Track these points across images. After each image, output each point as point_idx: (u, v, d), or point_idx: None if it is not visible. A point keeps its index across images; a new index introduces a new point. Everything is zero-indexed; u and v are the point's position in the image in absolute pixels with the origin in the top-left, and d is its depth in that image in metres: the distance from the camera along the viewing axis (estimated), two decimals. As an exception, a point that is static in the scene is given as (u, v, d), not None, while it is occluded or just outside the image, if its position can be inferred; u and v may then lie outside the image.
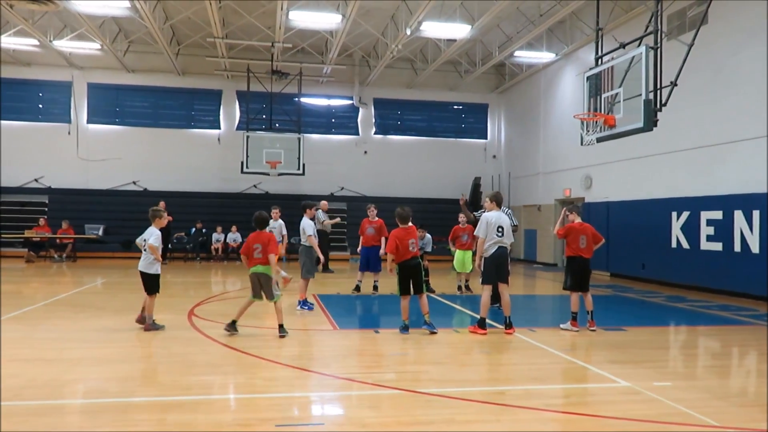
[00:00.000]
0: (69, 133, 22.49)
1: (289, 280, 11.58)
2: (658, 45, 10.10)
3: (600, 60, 11.53)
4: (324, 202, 17.43)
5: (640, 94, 9.96)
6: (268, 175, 20.86)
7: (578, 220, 8.74)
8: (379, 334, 8.17)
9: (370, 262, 12.33)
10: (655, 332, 8.98)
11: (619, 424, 4.61)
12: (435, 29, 17.48)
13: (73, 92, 22.57)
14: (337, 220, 17.41)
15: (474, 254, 9.76)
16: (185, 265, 18.72)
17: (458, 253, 12.24)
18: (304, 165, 20.40)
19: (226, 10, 18.53)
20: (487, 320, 8.24)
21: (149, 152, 22.97)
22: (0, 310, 9.19)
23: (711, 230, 13.31)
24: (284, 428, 4.40)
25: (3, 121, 22.03)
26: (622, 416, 4.75)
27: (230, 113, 23.75)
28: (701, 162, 13.95)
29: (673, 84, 10.06)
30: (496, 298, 8.73)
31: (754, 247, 12.10)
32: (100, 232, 20.96)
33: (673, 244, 14.43)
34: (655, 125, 10.10)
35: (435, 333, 7.90)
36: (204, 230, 20.97)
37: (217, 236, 21.00)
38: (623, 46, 11.11)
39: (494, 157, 25.66)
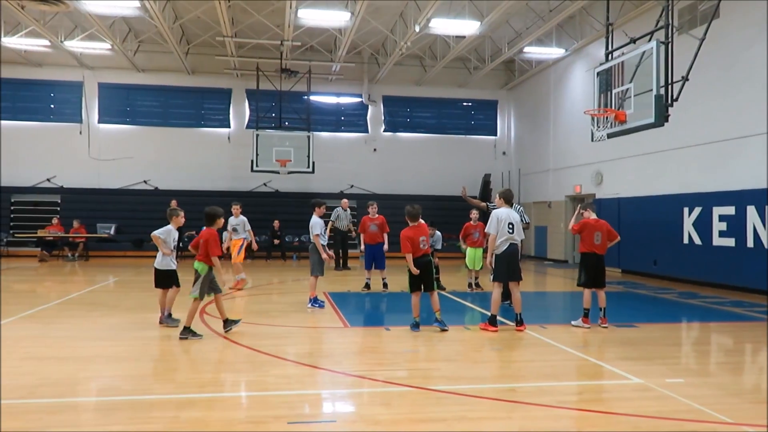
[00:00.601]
0: (80, 132, 22.65)
1: (244, 282, 11.66)
2: (669, 40, 10.02)
3: (610, 55, 11.45)
4: (344, 201, 17.51)
5: (651, 90, 9.89)
6: (278, 173, 20.90)
7: (593, 216, 8.70)
8: (390, 331, 8.18)
9: (376, 259, 12.36)
10: (668, 329, 8.93)
11: (631, 421, 4.59)
12: (444, 26, 17.43)
13: (84, 92, 22.72)
14: (350, 227, 17.44)
15: (485, 251, 9.74)
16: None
17: (469, 251, 12.23)
18: (313, 163, 20.42)
19: (235, 9, 18.57)
20: (498, 317, 8.24)
21: (160, 151, 23.09)
22: (0, 311, 9.28)
23: (723, 226, 13.21)
24: (296, 425, 4.42)
25: (16, 122, 22.23)
26: (635, 413, 4.73)
27: (240, 112, 23.82)
28: (713, 157, 13.84)
29: (685, 79, 9.98)
30: (507, 295, 8.72)
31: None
32: (112, 231, 21.10)
33: (685, 240, 14.33)
34: (667, 120, 10.02)
35: (446, 330, 7.91)
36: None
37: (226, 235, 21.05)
38: (634, 41, 11.03)
39: (504, 153, 25.58)
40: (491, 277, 8.37)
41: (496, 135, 25.73)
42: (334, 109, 24.69)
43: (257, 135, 20.27)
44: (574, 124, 19.61)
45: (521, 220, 8.68)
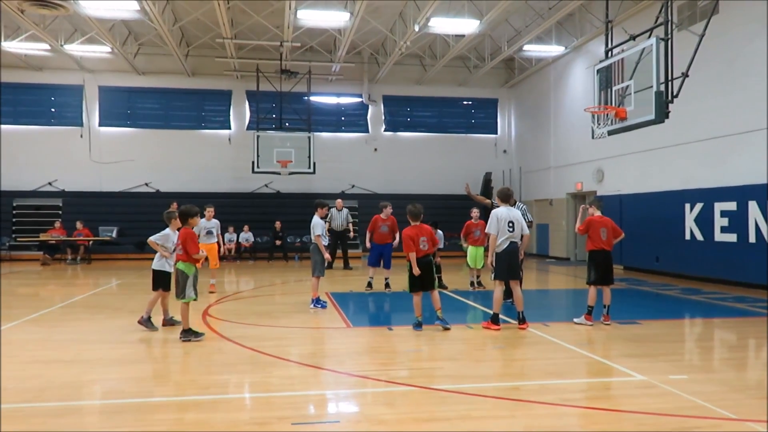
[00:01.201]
0: (81, 136, 22.70)
1: (214, 287, 11.47)
2: (669, 36, 10.01)
3: (610, 52, 11.44)
4: (339, 201, 17.49)
5: (651, 86, 9.88)
6: (279, 174, 20.94)
7: (598, 213, 8.69)
8: (392, 331, 8.19)
9: (384, 259, 12.39)
10: (671, 325, 8.93)
11: (635, 418, 4.59)
12: (443, 25, 17.44)
13: (84, 95, 22.76)
14: (350, 227, 17.39)
15: (487, 249, 9.74)
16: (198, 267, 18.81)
17: (471, 249, 12.26)
18: (314, 163, 20.45)
19: (235, 11, 18.59)
20: (501, 316, 8.24)
21: (161, 153, 23.13)
22: (0, 315, 9.31)
23: (725, 221, 13.20)
24: (300, 426, 4.43)
25: (17, 127, 22.29)
26: (639, 410, 4.73)
27: (240, 113, 23.85)
28: (714, 153, 13.83)
29: (685, 75, 9.97)
30: (508, 293, 8.72)
31: (770, 238, 11.99)
32: (114, 234, 21.13)
33: (687, 236, 14.33)
34: (667, 117, 10.01)
35: (448, 329, 7.92)
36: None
37: (230, 236, 21.08)
38: (633, 38, 11.02)
39: (505, 152, 25.58)
40: (492, 276, 8.37)
41: (496, 133, 25.73)
42: (334, 110, 24.71)
43: (258, 136, 20.30)
44: (574, 122, 19.60)
45: (525, 218, 8.68)
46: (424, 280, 8.01)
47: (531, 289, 12.57)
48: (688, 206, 14.33)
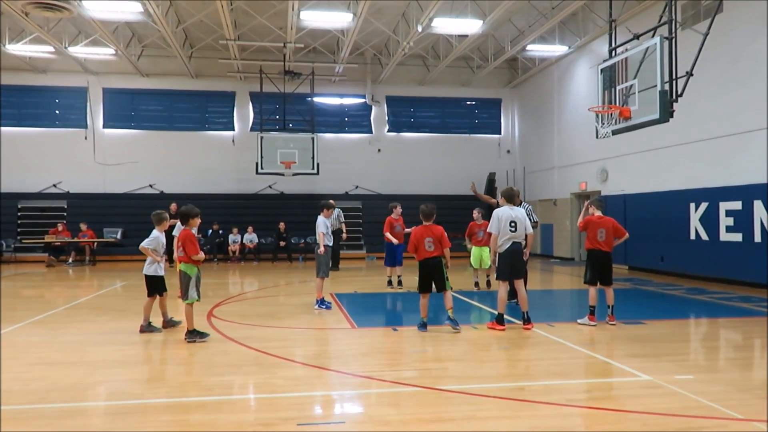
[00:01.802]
0: (86, 138, 22.76)
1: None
2: (673, 35, 9.99)
3: (614, 52, 11.43)
4: (331, 202, 17.24)
5: (656, 86, 9.85)
6: (283, 175, 20.95)
7: (598, 213, 8.67)
8: (397, 331, 8.18)
9: (397, 258, 12.70)
10: (676, 325, 8.90)
11: (641, 419, 4.58)
12: (446, 25, 17.43)
13: (88, 98, 22.83)
14: (342, 227, 17.31)
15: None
16: (202, 267, 18.84)
17: (475, 250, 12.26)
18: (318, 164, 20.45)
19: (238, 12, 18.62)
20: (505, 316, 8.23)
21: (165, 155, 23.18)
22: (0, 316, 9.33)
23: (730, 221, 13.16)
24: (305, 427, 4.43)
25: (21, 129, 22.37)
26: (644, 410, 4.72)
27: (244, 114, 23.88)
28: (719, 152, 13.78)
29: (689, 74, 9.94)
30: (513, 293, 8.70)
31: (775, 237, 11.94)
32: (119, 236, 21.19)
33: (692, 236, 14.29)
34: (672, 116, 9.99)
35: (458, 331, 7.85)
36: (220, 231, 21.11)
37: (234, 237, 21.13)
38: (637, 37, 11.00)
39: (508, 152, 25.55)
40: (494, 276, 8.36)
41: (500, 133, 25.70)
42: (337, 110, 24.72)
43: (261, 137, 20.31)
44: (578, 121, 19.57)
45: (530, 219, 8.66)
46: (434, 281, 7.95)
47: (535, 289, 12.55)
48: (693, 206, 14.29)
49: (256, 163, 20.29)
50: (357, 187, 24.31)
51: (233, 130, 23.80)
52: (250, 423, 4.55)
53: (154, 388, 5.53)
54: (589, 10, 17.91)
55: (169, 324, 8.14)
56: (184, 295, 7.46)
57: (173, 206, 17.45)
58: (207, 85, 23.52)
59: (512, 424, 4.50)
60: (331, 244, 10.14)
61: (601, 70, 11.48)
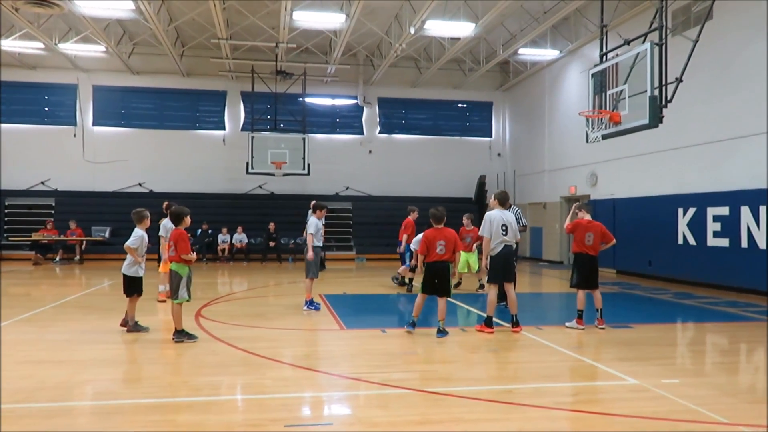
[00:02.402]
0: (75, 135, 22.61)
1: (164, 295, 10.24)
2: (663, 41, 10.08)
3: (605, 57, 11.50)
4: (313, 203, 17.09)
5: (646, 91, 9.94)
6: (273, 175, 20.91)
7: (587, 217, 8.72)
8: (386, 333, 8.18)
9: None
10: (663, 329, 8.97)
11: (628, 422, 4.61)
12: (439, 28, 17.47)
13: (78, 95, 22.68)
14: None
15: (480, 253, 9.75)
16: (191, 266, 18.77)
17: (462, 255, 12.28)
18: (309, 165, 20.42)
19: (230, 11, 18.57)
20: (494, 319, 8.26)
21: (155, 154, 23.07)
22: (0, 314, 9.25)
23: (718, 226, 13.27)
24: (293, 428, 4.43)
25: (10, 125, 22.17)
26: (631, 414, 4.75)
27: (235, 114, 23.81)
28: (707, 158, 13.90)
29: (679, 80, 10.03)
30: (502, 296, 8.73)
31: (762, 243, 12.06)
32: (107, 234, 21.04)
33: (680, 241, 14.39)
34: (661, 121, 10.08)
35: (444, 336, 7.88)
36: (210, 231, 21.02)
37: (223, 237, 21.05)
38: (628, 42, 11.09)
39: (499, 155, 25.63)
40: (486, 279, 8.38)
41: (491, 136, 25.78)
42: (329, 111, 24.70)
43: (252, 137, 20.27)
44: (568, 126, 19.67)
45: (519, 222, 8.69)
46: (439, 285, 7.87)
47: (524, 292, 12.59)
48: (681, 211, 14.40)
49: (247, 163, 20.24)
50: (348, 188, 24.30)
51: (224, 129, 23.73)
52: (238, 423, 4.54)
53: (142, 388, 5.50)
54: (580, 15, 18.01)
55: (134, 329, 7.89)
56: (174, 294, 7.41)
57: (166, 205, 17.32)
58: (198, 84, 23.44)
59: (501, 426, 4.51)
60: (321, 244, 10.12)
61: (592, 75, 11.55)
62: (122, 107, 23.31)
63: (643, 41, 10.41)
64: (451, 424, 4.53)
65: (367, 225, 23.18)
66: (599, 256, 8.66)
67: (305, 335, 8.26)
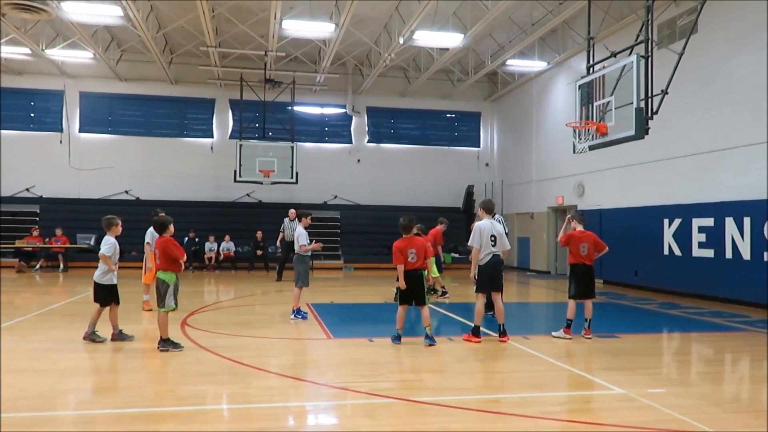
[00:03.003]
0: (61, 142, 22.43)
1: (149, 304, 10.14)
2: (649, 54, 10.18)
3: (591, 69, 11.60)
4: (292, 211, 17.01)
5: (632, 103, 10.02)
6: (261, 183, 20.83)
7: (579, 228, 8.77)
8: (373, 342, 8.14)
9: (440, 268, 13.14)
10: (649, 339, 9.01)
11: (614, 431, 4.62)
12: (428, 38, 17.56)
13: (65, 101, 22.53)
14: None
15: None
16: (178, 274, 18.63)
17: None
18: (297, 173, 20.38)
19: (220, 19, 18.55)
20: (482, 328, 8.25)
21: (142, 161, 22.93)
22: (0, 318, 9.13)
23: (703, 237, 13.38)
24: (279, 438, 4.39)
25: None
26: (618, 423, 4.76)
27: (223, 122, 23.75)
28: (693, 169, 14.04)
29: (664, 92, 10.13)
30: (490, 305, 8.74)
31: (746, 254, 12.18)
32: (92, 242, 20.83)
33: (666, 251, 14.50)
34: (647, 133, 10.16)
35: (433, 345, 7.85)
36: (197, 239, 20.89)
37: (210, 245, 20.93)
38: (614, 54, 11.19)
39: (487, 165, 25.74)
40: (474, 289, 8.39)
41: (479, 146, 25.90)
42: (318, 120, 24.71)
43: (240, 145, 20.20)
44: (556, 136, 19.80)
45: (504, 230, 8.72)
46: (413, 293, 7.92)
47: (512, 302, 12.60)
48: (666, 221, 14.51)
49: (235, 171, 20.15)
50: (336, 197, 24.28)
51: (212, 137, 23.65)
52: (223, 433, 4.49)
53: (125, 397, 5.43)
54: (568, 27, 18.19)
55: (118, 337, 7.81)
56: (161, 302, 7.35)
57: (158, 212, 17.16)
58: (186, 92, 23.37)
59: (487, 436, 4.50)
60: (309, 253, 10.09)
61: (579, 86, 11.64)
62: (109, 114, 23.17)
63: (630, 54, 10.52)
64: (437, 433, 4.51)
65: (356, 234, 23.16)
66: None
67: (292, 344, 8.21)
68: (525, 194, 22.67)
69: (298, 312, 9.89)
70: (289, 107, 22.16)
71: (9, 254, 20.03)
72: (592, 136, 11.01)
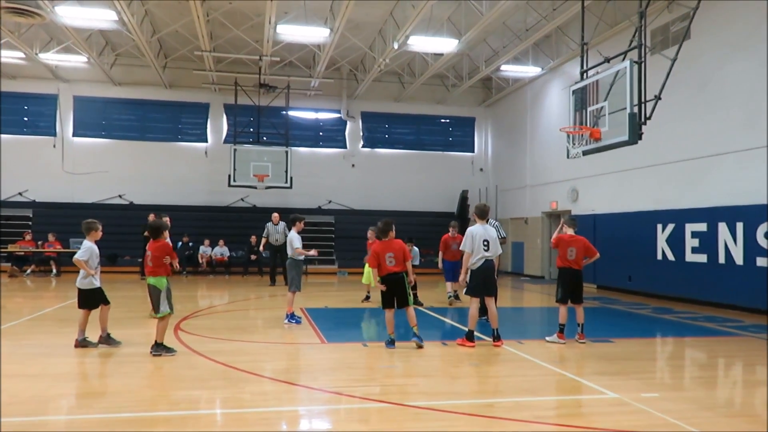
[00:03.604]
0: (54, 146, 22.34)
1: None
2: (642, 59, 10.24)
3: (585, 74, 11.65)
4: (275, 215, 16.99)
5: (625, 108, 10.07)
6: (256, 188, 20.81)
7: (570, 232, 8.78)
8: (367, 347, 8.14)
9: (456, 274, 12.65)
10: (643, 344, 9.03)
11: (608, 436, 4.62)
12: (422, 43, 17.59)
13: (59, 105, 22.45)
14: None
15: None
16: (171, 279, 18.55)
17: (366, 267, 12.40)
18: (291, 178, 20.37)
19: (214, 24, 18.56)
20: (475, 333, 8.25)
21: (136, 165, 22.86)
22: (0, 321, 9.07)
23: (696, 242, 13.44)
24: (273, 443, 4.37)
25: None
26: (612, 427, 4.76)
27: (217, 126, 23.71)
28: (686, 175, 14.11)
29: (657, 98, 10.19)
30: (483, 310, 8.74)
31: (738, 259, 12.23)
32: (85, 246, 20.72)
33: (659, 256, 14.54)
34: (640, 138, 10.21)
35: (422, 347, 7.84)
36: (191, 244, 20.82)
37: (204, 250, 20.86)
38: (608, 60, 11.25)
39: (481, 170, 25.78)
40: (464, 291, 8.41)
41: (473, 151, 25.93)
42: (312, 125, 24.70)
43: (235, 150, 20.17)
44: (550, 141, 19.86)
45: (498, 235, 8.74)
46: (396, 296, 7.94)
47: (506, 306, 12.62)
48: (660, 226, 14.57)
49: (229, 176, 20.13)
50: (330, 201, 24.26)
51: (206, 141, 23.61)
52: (216, 438, 4.47)
53: (118, 402, 5.39)
54: (562, 33, 18.27)
55: (105, 340, 7.72)
56: (156, 309, 7.32)
57: (151, 216, 17.10)
58: (181, 96, 23.33)
59: (481, 440, 4.50)
60: (302, 258, 10.08)
61: (573, 92, 11.69)
62: (103, 118, 23.10)
63: (623, 59, 10.58)
64: (431, 438, 4.50)
65: (350, 239, 23.11)
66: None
67: (286, 349, 8.18)
68: (519, 199, 22.71)
69: (291, 317, 9.87)
70: (284, 112, 22.16)
71: (1, 259, 19.90)
72: (586, 141, 11.06)
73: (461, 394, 5.95)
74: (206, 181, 23.03)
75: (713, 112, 13.33)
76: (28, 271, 19.26)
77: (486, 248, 8.13)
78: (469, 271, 8.23)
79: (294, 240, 9.85)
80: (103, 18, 16.10)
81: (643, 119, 10.20)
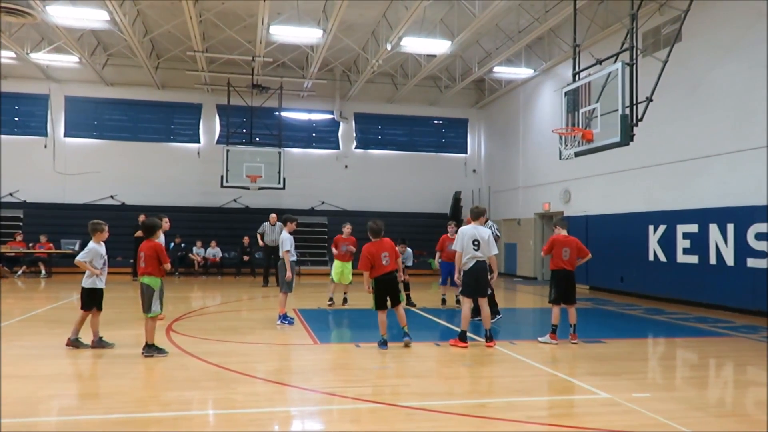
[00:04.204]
0: (45, 146, 22.21)
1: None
2: (634, 61, 10.30)
3: (577, 76, 11.70)
4: (272, 216, 16.96)
5: (617, 110, 10.12)
6: (248, 189, 20.75)
7: (563, 233, 8.80)
8: (359, 348, 8.13)
9: (452, 277, 12.53)
10: (634, 344, 9.06)
11: (599, 436, 4.63)
12: (415, 45, 17.61)
13: (50, 105, 22.32)
14: None
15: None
16: (164, 280, 18.47)
17: (337, 265, 12.33)
18: (284, 179, 20.34)
19: (207, 24, 18.51)
20: (468, 333, 8.26)
21: (128, 166, 22.75)
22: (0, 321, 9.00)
23: (687, 243, 13.51)
24: (265, 443, 4.36)
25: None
26: (603, 427, 4.78)
27: (210, 127, 23.64)
28: (677, 176, 14.18)
29: (649, 99, 10.25)
30: (476, 311, 8.76)
31: (729, 260, 12.31)
32: (77, 247, 20.60)
33: (651, 257, 14.61)
34: (632, 140, 10.26)
35: (408, 346, 7.88)
36: (183, 245, 20.75)
37: (197, 251, 20.79)
38: (600, 62, 11.30)
39: (474, 171, 25.82)
40: (458, 291, 8.42)
41: (466, 153, 25.97)
42: (305, 126, 24.67)
43: (227, 150, 20.12)
44: (542, 143, 19.91)
45: (492, 234, 8.75)
46: (389, 296, 7.96)
47: (498, 307, 12.60)
48: (651, 228, 14.64)
49: (222, 177, 20.07)
50: (323, 203, 24.23)
51: (199, 142, 23.53)
52: (207, 439, 4.46)
53: (109, 403, 5.37)
54: (554, 35, 18.33)
55: (98, 344, 7.65)
56: (146, 308, 7.28)
57: (142, 217, 17.05)
58: (173, 97, 23.24)
59: (473, 440, 4.50)
60: (295, 259, 10.06)
61: (565, 93, 11.73)
62: (95, 118, 22.99)
63: (615, 61, 10.62)
64: (424, 438, 4.50)
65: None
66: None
67: (278, 350, 8.16)
68: (512, 200, 22.76)
69: (284, 317, 9.85)
70: (277, 113, 22.13)
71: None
72: (578, 142, 11.10)
73: (454, 394, 5.96)
74: (199, 182, 22.95)
75: (704, 113, 13.40)
76: (19, 272, 19.13)
77: (476, 248, 8.14)
78: (461, 272, 8.27)
79: (285, 241, 9.83)
80: (95, 18, 16.03)
81: (634, 121, 10.26)
